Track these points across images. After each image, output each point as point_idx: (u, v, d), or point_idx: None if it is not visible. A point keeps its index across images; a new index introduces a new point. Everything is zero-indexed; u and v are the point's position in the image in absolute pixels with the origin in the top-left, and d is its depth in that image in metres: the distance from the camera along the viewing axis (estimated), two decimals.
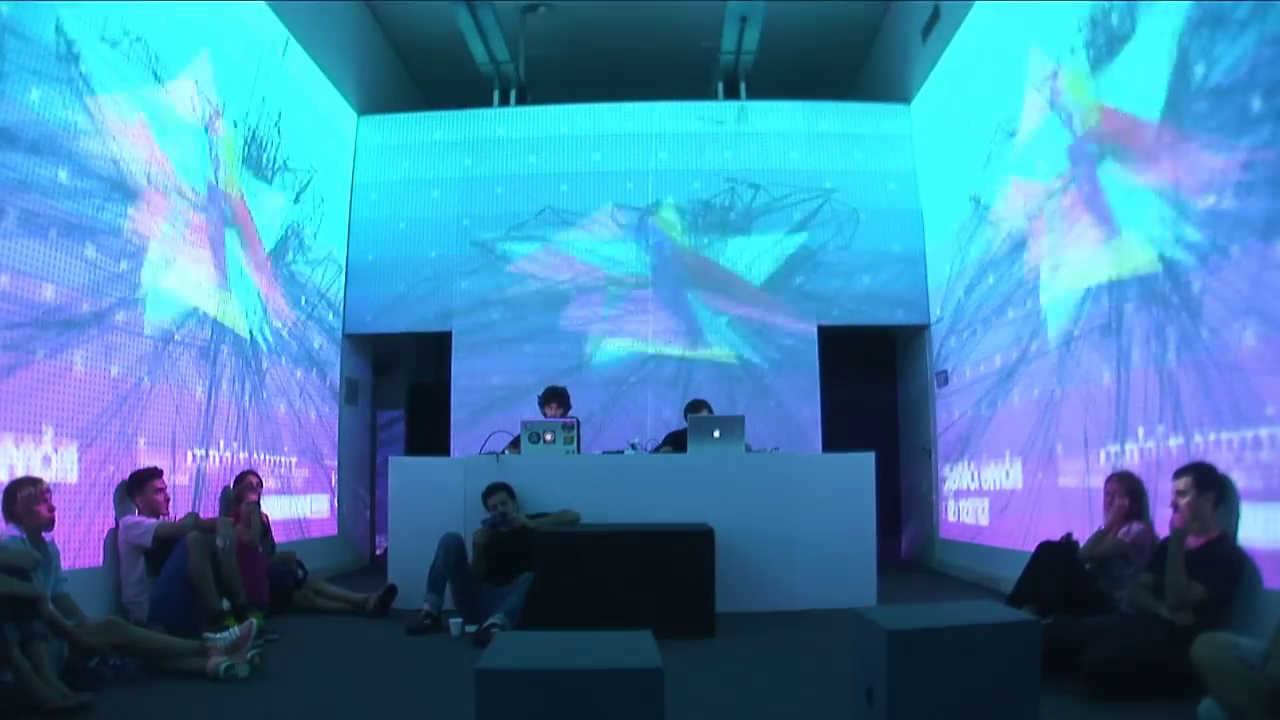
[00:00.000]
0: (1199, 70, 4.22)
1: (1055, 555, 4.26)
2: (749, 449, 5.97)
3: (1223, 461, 3.89)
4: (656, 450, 6.55)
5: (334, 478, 8.00)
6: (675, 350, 8.28)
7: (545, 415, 6.52)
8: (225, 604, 4.64)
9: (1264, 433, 3.67)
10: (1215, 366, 4.04)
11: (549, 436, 5.73)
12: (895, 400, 9.18)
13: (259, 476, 5.96)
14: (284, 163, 7.18)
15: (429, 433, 9.03)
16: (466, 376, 8.26)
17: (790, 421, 8.07)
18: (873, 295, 8.30)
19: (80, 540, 4.55)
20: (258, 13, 6.84)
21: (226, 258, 6.25)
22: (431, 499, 5.61)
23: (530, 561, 4.82)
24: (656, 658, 2.11)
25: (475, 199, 8.54)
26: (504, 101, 8.94)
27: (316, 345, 7.75)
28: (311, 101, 7.78)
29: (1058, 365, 5.65)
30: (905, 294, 8.29)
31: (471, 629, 4.67)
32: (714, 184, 8.48)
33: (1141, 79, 4.74)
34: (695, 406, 6.63)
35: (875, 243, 8.35)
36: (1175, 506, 3.81)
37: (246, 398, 6.46)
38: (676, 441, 6.35)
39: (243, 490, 5.74)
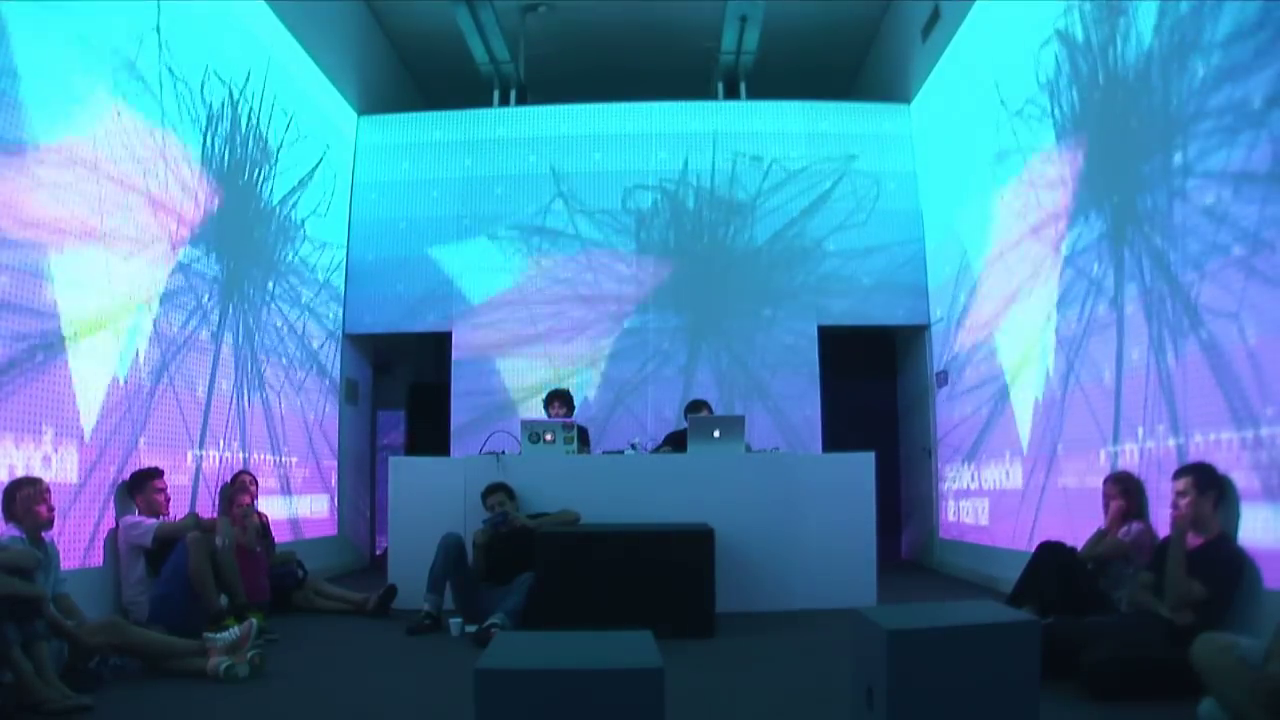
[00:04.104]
0: (1200, 66, 4.22)
1: (1055, 555, 4.26)
2: (749, 449, 5.97)
3: (1223, 461, 3.89)
4: (656, 450, 6.55)
5: (334, 478, 8.00)
6: (675, 350, 8.28)
7: (550, 416, 6.52)
8: (225, 603, 4.64)
9: (1264, 433, 3.67)
10: (1215, 366, 4.04)
11: (549, 436, 5.72)
12: (895, 400, 9.18)
13: (252, 475, 5.95)
14: (284, 162, 7.18)
15: (429, 433, 9.02)
16: (466, 377, 8.26)
17: (790, 421, 8.07)
18: (873, 295, 8.30)
19: (80, 540, 4.55)
20: (258, 12, 6.85)
21: (227, 257, 6.25)
22: (431, 499, 5.61)
23: (530, 561, 4.82)
24: (656, 658, 2.11)
25: (475, 199, 8.54)
26: (504, 101, 8.94)
27: (316, 345, 7.75)
28: (311, 101, 7.78)
29: (1058, 365, 5.65)
30: (905, 294, 8.29)
31: (471, 629, 4.67)
32: (714, 183, 8.48)
33: (1142, 76, 4.75)
34: (695, 406, 6.63)
35: (875, 243, 8.34)
36: (1175, 506, 3.81)
37: (246, 398, 6.46)
38: (676, 441, 6.35)
39: (236, 491, 5.73)
